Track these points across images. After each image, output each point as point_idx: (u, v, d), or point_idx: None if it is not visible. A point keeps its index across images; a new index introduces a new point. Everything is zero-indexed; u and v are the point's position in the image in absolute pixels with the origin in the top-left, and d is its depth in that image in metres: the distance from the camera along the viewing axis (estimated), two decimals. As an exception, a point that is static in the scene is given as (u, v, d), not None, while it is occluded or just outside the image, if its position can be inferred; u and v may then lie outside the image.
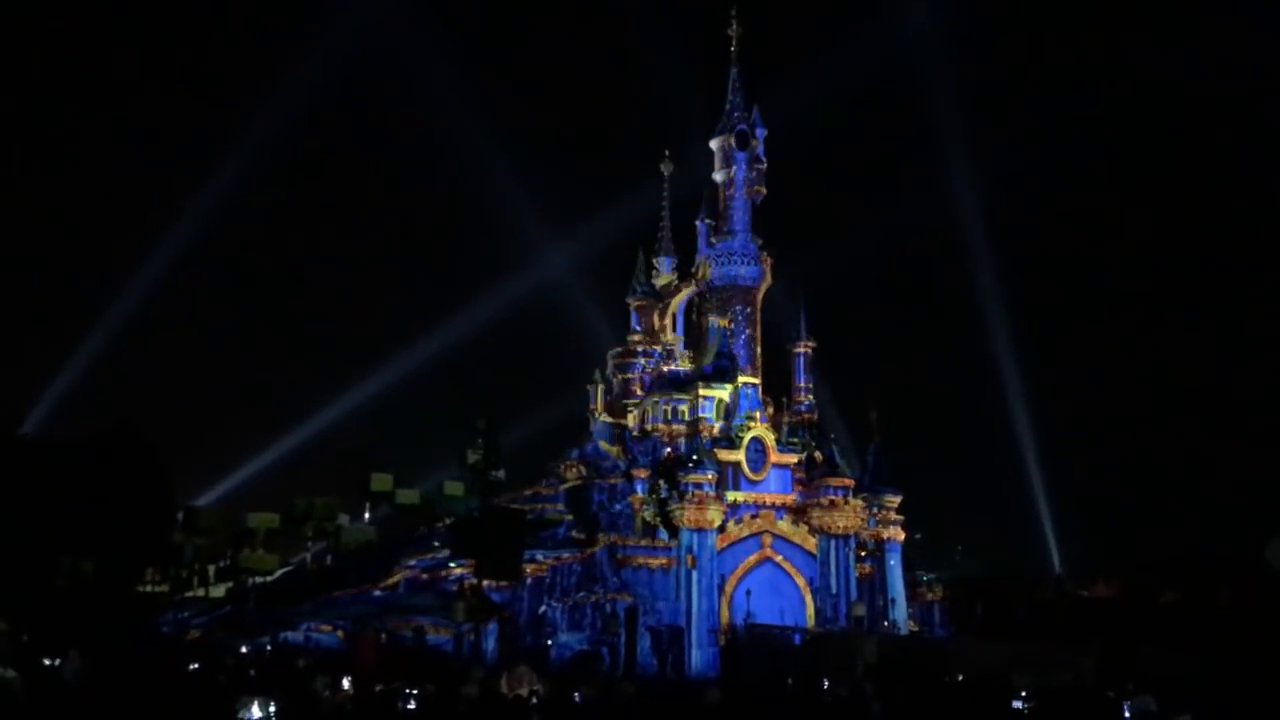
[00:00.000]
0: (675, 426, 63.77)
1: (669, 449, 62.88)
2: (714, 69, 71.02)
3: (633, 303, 71.70)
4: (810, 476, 62.14)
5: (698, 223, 69.63)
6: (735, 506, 61.01)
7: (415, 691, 17.59)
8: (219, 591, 49.75)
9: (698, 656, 56.62)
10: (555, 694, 18.13)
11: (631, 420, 67.72)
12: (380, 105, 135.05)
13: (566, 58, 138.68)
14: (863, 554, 61.99)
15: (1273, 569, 54.64)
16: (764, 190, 67.71)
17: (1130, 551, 78.79)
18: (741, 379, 64.00)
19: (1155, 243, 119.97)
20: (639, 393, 68.21)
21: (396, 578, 56.86)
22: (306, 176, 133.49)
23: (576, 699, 17.91)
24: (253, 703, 14.40)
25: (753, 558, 60.78)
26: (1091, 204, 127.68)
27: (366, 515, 48.58)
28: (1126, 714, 18.04)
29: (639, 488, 61.84)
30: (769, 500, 62.09)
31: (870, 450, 64.27)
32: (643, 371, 68.81)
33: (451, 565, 54.46)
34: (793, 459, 63.11)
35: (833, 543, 60.12)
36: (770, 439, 62.95)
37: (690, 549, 58.47)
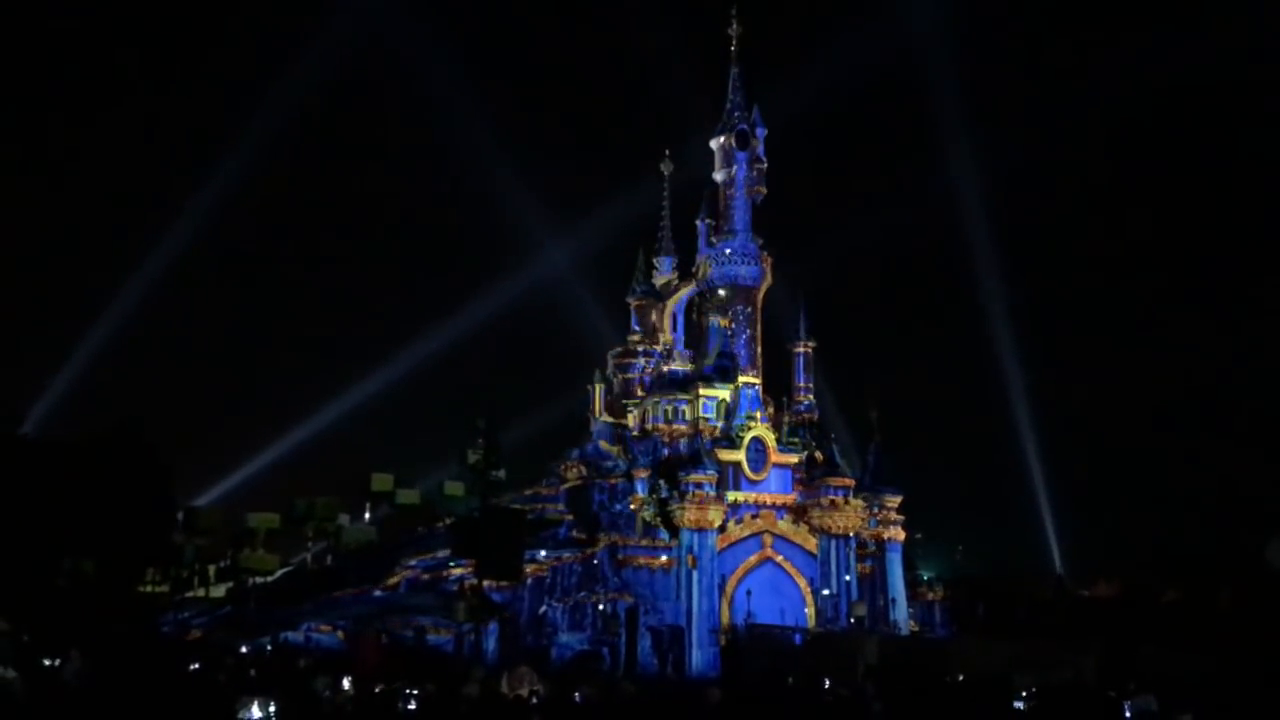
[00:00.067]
0: (676, 426, 63.76)
1: (669, 449, 62.86)
2: (715, 69, 71.10)
3: (633, 303, 71.71)
4: (811, 476, 62.15)
5: (698, 222, 69.65)
6: (736, 506, 61.02)
7: (416, 691, 17.58)
8: (219, 592, 49.70)
9: (698, 656, 56.63)
10: (556, 694, 18.12)
11: (632, 420, 67.71)
12: (380, 105, 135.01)
13: (567, 58, 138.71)
14: (863, 554, 61.98)
15: (1273, 569, 54.65)
16: (764, 190, 67.75)
17: (1131, 551, 78.77)
18: (742, 379, 64.02)
19: (1157, 242, 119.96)
20: (639, 393, 68.20)
21: (397, 578, 56.88)
22: (306, 176, 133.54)
23: (577, 699, 17.89)
24: (253, 703, 14.39)
25: (753, 558, 60.80)
26: (1093, 203, 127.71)
27: (367, 515, 48.50)
28: (1127, 713, 18.02)
29: (639, 488, 61.83)
30: (769, 500, 62.09)
31: (870, 450, 64.32)
32: (643, 371, 68.83)
33: (452, 565, 54.47)
34: (793, 459, 63.11)
35: (833, 542, 60.11)
36: (771, 439, 62.96)
37: (691, 549, 58.48)
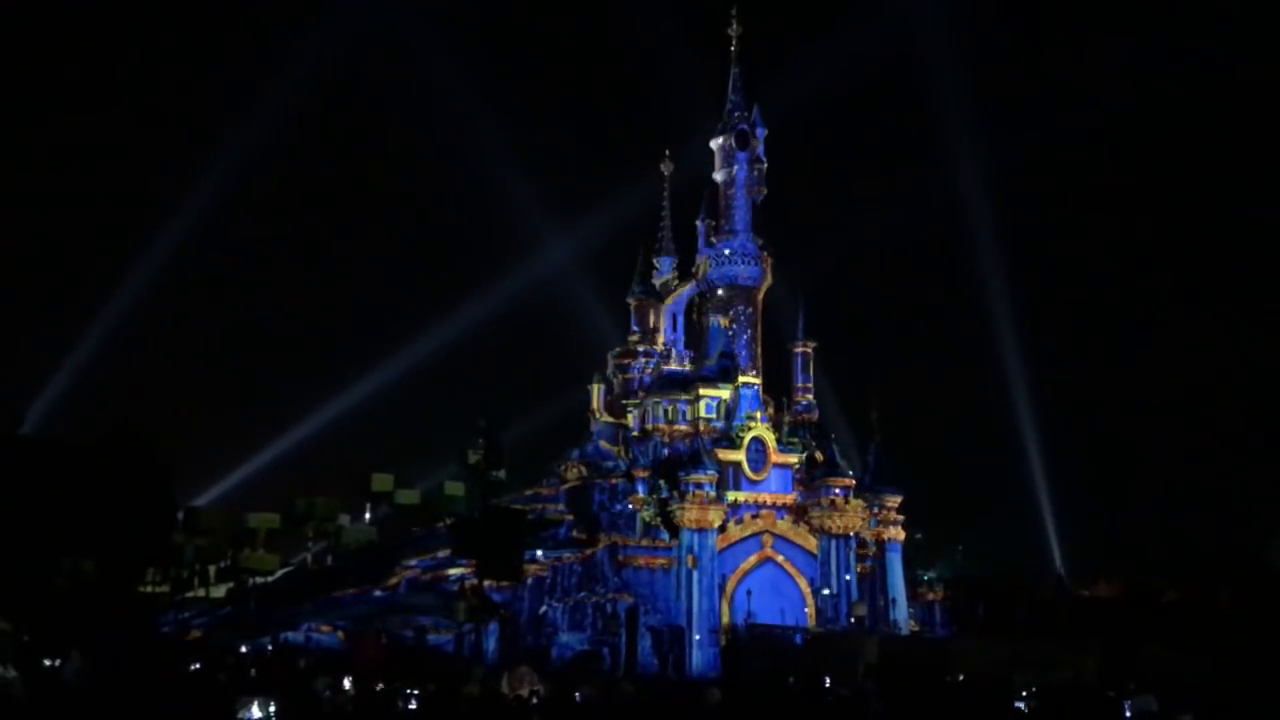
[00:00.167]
0: (676, 426, 63.76)
1: (669, 449, 62.87)
2: (715, 69, 71.11)
3: (633, 303, 71.71)
4: (811, 476, 62.16)
5: (698, 222, 69.66)
6: (736, 506, 61.04)
7: (416, 691, 17.58)
8: (220, 592, 49.69)
9: (698, 656, 56.64)
10: (556, 694, 18.12)
11: (632, 420, 67.72)
12: (381, 105, 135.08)
13: (567, 57, 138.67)
14: (863, 554, 61.98)
15: (1273, 569, 54.65)
16: (764, 190, 67.77)
17: (1132, 551, 78.77)
18: (742, 379, 64.03)
19: (1158, 241, 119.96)
20: (639, 393, 68.20)
21: (397, 578, 56.86)
22: (306, 176, 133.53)
23: (577, 699, 17.89)
24: (253, 703, 14.38)
25: (753, 558, 60.81)
26: (1094, 202, 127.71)
27: (367, 515, 48.48)
28: (1128, 713, 18.01)
29: (640, 488, 61.83)
30: (769, 500, 62.11)
31: (871, 450, 64.37)
32: (643, 371, 68.83)
33: (452, 565, 54.46)
34: (793, 459, 63.12)
35: (833, 542, 60.12)
36: (771, 439, 62.96)
37: (691, 549, 58.48)
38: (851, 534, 60.55)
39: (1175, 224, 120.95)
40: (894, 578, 62.04)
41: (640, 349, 69.63)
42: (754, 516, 61.46)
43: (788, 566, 61.23)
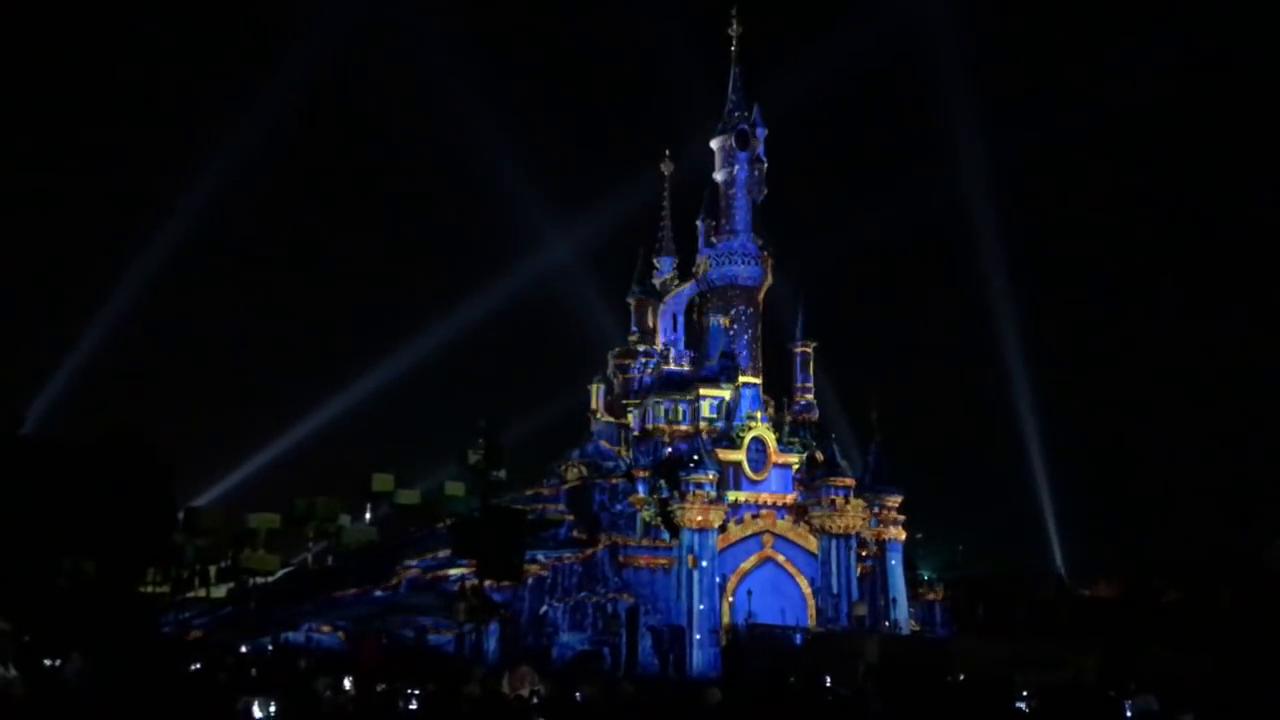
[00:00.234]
0: (676, 426, 63.75)
1: (670, 449, 62.86)
2: (716, 68, 71.12)
3: (633, 302, 71.69)
4: (811, 476, 62.14)
5: (698, 222, 69.65)
6: (736, 506, 61.03)
7: (417, 692, 17.58)
8: (220, 592, 49.75)
9: (699, 656, 56.63)
10: (557, 694, 18.12)
11: (632, 420, 67.71)
12: (381, 105, 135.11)
13: (567, 57, 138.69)
14: (864, 554, 61.97)
15: (1273, 569, 54.65)
16: (764, 190, 67.77)
17: (1133, 551, 78.72)
18: (742, 379, 64.03)
19: (1160, 242, 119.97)
20: (640, 393, 68.18)
21: (397, 578, 56.85)
22: (306, 175, 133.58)
23: (578, 699, 17.89)
24: (253, 703, 14.38)
25: (754, 557, 60.81)
26: (1095, 202, 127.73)
27: (368, 515, 48.54)
28: (1128, 713, 18.00)
29: (640, 488, 61.82)
30: (770, 500, 62.09)
31: (871, 450, 64.35)
32: (643, 371, 68.81)
33: (453, 565, 54.45)
34: (794, 459, 63.11)
35: (834, 542, 60.11)
36: (771, 439, 62.95)
37: (691, 549, 58.48)
38: (852, 534, 60.53)
39: (1176, 224, 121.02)
40: (894, 577, 62.03)
41: (640, 349, 69.60)
42: (754, 516, 61.45)
43: (788, 566, 61.23)
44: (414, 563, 57.68)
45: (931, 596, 65.80)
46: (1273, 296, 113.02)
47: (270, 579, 51.33)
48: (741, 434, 62.41)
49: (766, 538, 61.23)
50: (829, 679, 24.97)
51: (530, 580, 55.14)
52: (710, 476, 59.29)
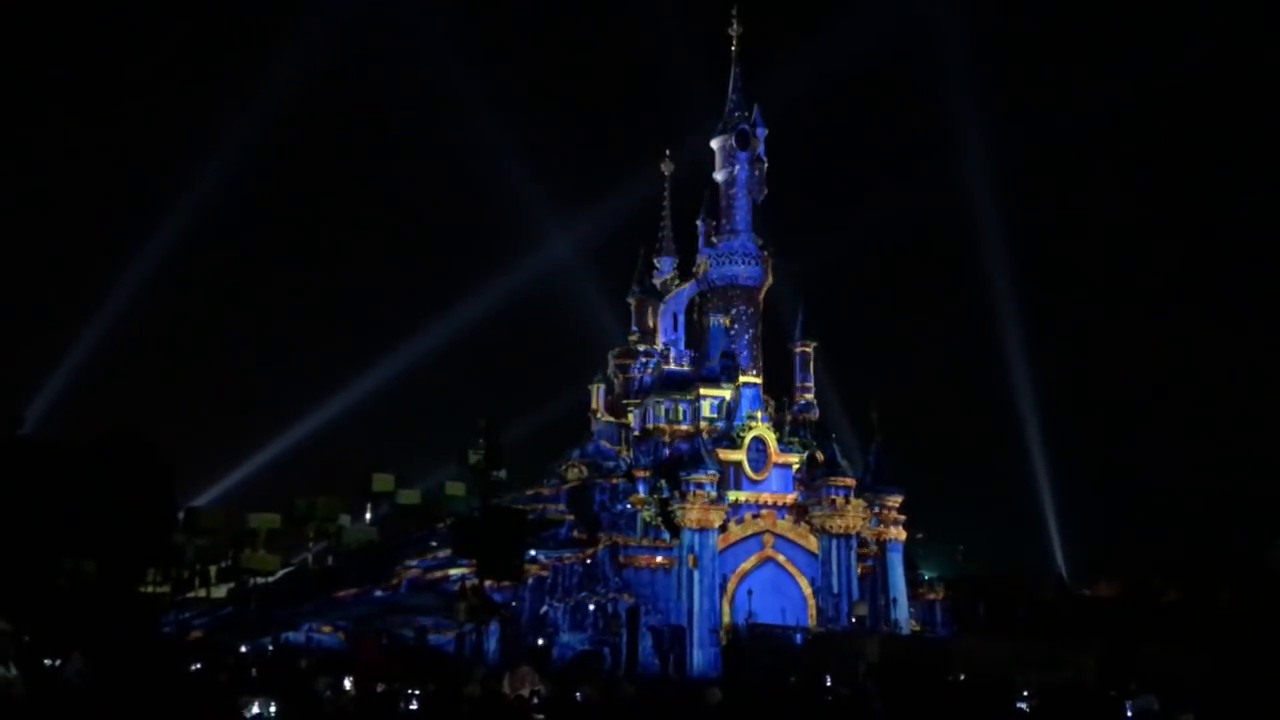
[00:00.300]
0: (677, 426, 63.75)
1: (670, 449, 62.87)
2: (716, 68, 71.15)
3: (633, 302, 71.69)
4: (812, 476, 62.12)
5: (698, 222, 69.69)
6: (737, 506, 61.01)
7: (417, 692, 17.59)
8: (220, 592, 49.79)
9: (699, 656, 56.62)
10: (557, 694, 18.13)
11: (632, 420, 67.72)
12: (381, 104, 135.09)
13: (568, 57, 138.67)
14: (864, 553, 61.94)
15: (1273, 568, 54.64)
16: (765, 190, 67.81)
17: (1133, 551, 78.75)
18: (743, 379, 64.01)
19: (1161, 243, 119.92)
20: (640, 393, 68.19)
21: (398, 578, 56.87)
22: (305, 174, 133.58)
23: (578, 699, 17.89)
24: (254, 703, 14.40)
25: (754, 557, 60.77)
26: (1099, 202, 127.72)
27: (368, 515, 48.63)
28: (1129, 713, 18.01)
29: (640, 487, 61.80)
30: (770, 500, 62.06)
31: (871, 450, 64.31)
32: (643, 371, 68.80)
33: (453, 565, 54.48)
34: (794, 459, 63.09)
35: (834, 542, 60.10)
36: (771, 439, 62.93)
37: (692, 549, 58.47)
38: (852, 534, 60.51)
39: (1178, 225, 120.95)
40: (895, 577, 61.98)
41: (641, 349, 69.59)
42: (755, 516, 61.43)
43: (789, 566, 61.21)
44: (414, 563, 57.70)
45: (932, 596, 65.79)
46: (1274, 296, 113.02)
47: (270, 579, 51.39)
48: (742, 434, 62.40)
49: (767, 538, 61.21)
50: (829, 679, 24.96)
51: (530, 580, 55.14)
52: (711, 476, 59.29)
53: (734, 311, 66.49)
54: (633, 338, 70.69)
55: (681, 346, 69.42)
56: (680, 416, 64.02)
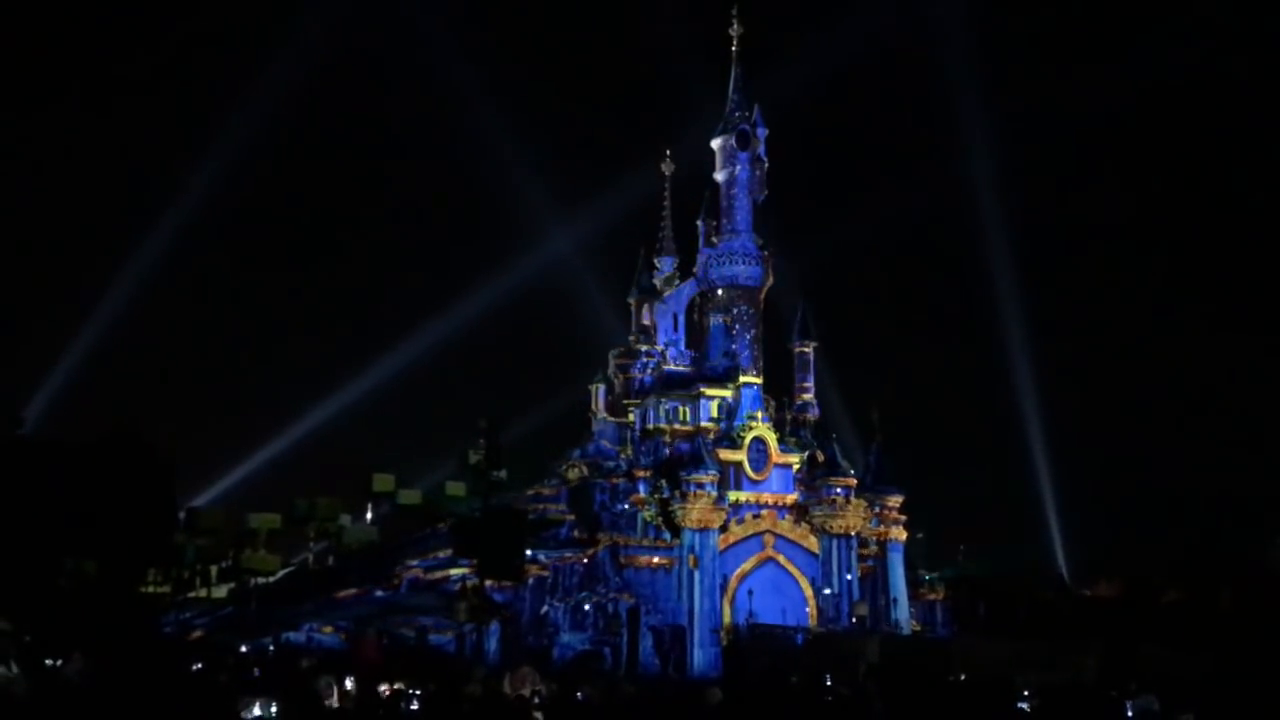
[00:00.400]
0: (677, 426, 63.78)
1: (671, 449, 62.88)
2: (717, 68, 71.17)
3: (634, 302, 71.66)
4: (812, 476, 62.15)
5: (699, 222, 69.74)
6: (737, 506, 61.03)
7: (418, 692, 17.59)
8: (221, 592, 49.80)
9: (700, 656, 56.64)
10: (558, 694, 18.12)
11: (633, 420, 67.72)
12: (381, 104, 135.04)
13: (569, 57, 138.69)
14: (865, 553, 61.95)
15: (1274, 569, 54.66)
16: (765, 190, 67.85)
17: (1133, 551, 78.76)
18: (743, 379, 64.02)
19: (1163, 245, 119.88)
20: (641, 393, 68.19)
21: (398, 578, 56.89)
22: (305, 173, 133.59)
23: (579, 699, 17.89)
24: (254, 703, 14.38)
25: (755, 557, 60.80)
26: (1098, 203, 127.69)
27: (368, 515, 48.61)
28: (1129, 713, 18.00)
29: (641, 488, 61.82)
30: (771, 500, 62.08)
31: (872, 449, 64.35)
32: (644, 371, 68.81)
33: (454, 565, 54.48)
34: (794, 459, 63.10)
35: (835, 542, 60.11)
36: (772, 439, 62.93)
37: (692, 549, 58.49)
38: (853, 534, 60.53)
39: (1178, 226, 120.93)
40: (895, 577, 62.01)
41: (641, 349, 69.60)
42: (755, 516, 61.44)
43: (789, 566, 61.21)
44: (415, 563, 57.72)
45: (932, 596, 65.81)
46: (1274, 296, 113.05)
47: (271, 579, 51.38)
48: (742, 434, 62.41)
49: (767, 538, 61.22)
50: (830, 679, 24.95)
51: (531, 580, 55.18)
52: (711, 476, 59.30)
53: (734, 311, 66.50)
54: (633, 338, 70.69)
55: (682, 346, 69.46)
56: (681, 417, 64.05)
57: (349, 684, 17.09)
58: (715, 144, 68.64)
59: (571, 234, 79.94)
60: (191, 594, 46.68)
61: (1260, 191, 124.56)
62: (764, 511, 61.65)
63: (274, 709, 14.11)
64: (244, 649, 39.24)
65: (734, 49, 69.88)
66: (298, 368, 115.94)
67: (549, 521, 59.40)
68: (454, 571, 54.46)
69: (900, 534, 63.08)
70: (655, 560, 58.96)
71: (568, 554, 58.23)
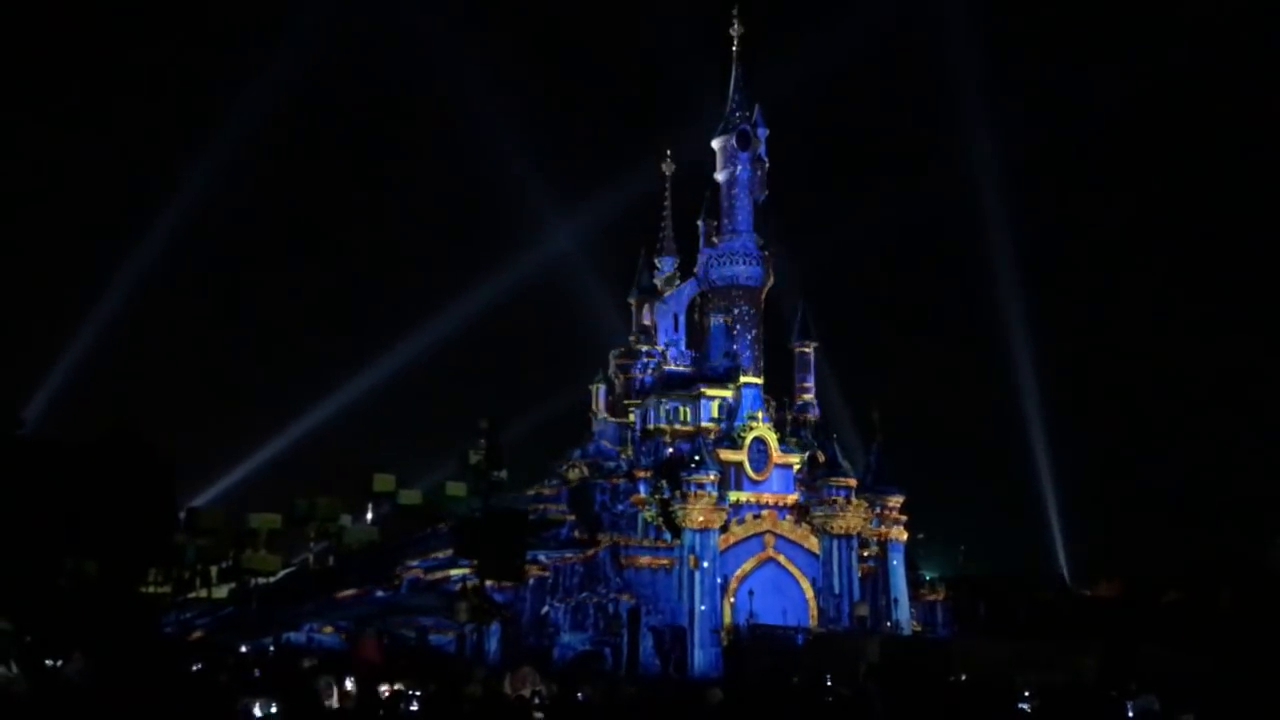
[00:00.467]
0: (677, 427, 63.76)
1: (671, 449, 62.86)
2: (718, 68, 71.18)
3: (634, 302, 71.66)
4: (813, 476, 62.12)
5: (699, 222, 69.75)
6: (738, 506, 61.00)
7: (419, 693, 17.58)
8: (222, 592, 49.76)
9: (700, 657, 56.62)
10: (558, 694, 18.13)
11: (633, 420, 67.72)
12: (381, 104, 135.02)
13: (569, 57, 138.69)
14: (865, 554, 61.93)
15: (1274, 569, 54.65)
16: (766, 190, 67.86)
17: (1133, 551, 78.85)
18: (744, 379, 63.99)
19: (1164, 246, 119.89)
20: (641, 393, 68.18)
21: (399, 578, 56.88)
22: (304, 173, 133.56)
23: (579, 699, 17.90)
24: (254, 703, 14.38)
25: (755, 558, 60.76)
26: (1098, 203, 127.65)
27: (369, 515, 48.61)
28: (1130, 713, 18.01)
29: (642, 488, 61.80)
30: (771, 500, 62.05)
31: (872, 450, 64.32)
32: (644, 371, 68.80)
33: (454, 566, 54.49)
34: (795, 459, 63.08)
35: (835, 542, 60.08)
36: (772, 439, 62.91)
37: (693, 549, 58.47)
38: (853, 534, 60.49)
39: (1178, 226, 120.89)
40: (896, 578, 61.98)
41: (642, 349, 69.59)
42: (756, 517, 61.41)
43: (790, 567, 61.19)
44: (415, 563, 57.70)
45: (933, 597, 65.77)
46: (1275, 296, 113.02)
47: (271, 579, 51.35)
48: (743, 434, 62.39)
49: (768, 538, 61.20)
50: (830, 679, 24.95)
51: (531, 580, 55.17)
52: (712, 477, 59.28)
53: (735, 312, 66.49)
54: (633, 338, 70.68)
55: (682, 346, 69.46)
56: (681, 417, 64.05)
57: (349, 684, 17.08)
58: (716, 144, 68.65)
59: (572, 234, 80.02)
60: (192, 594, 46.64)
61: (1260, 191, 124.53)
62: (764, 512, 61.62)
63: (274, 709, 14.10)
64: (244, 649, 39.23)
65: (734, 49, 69.91)
66: (298, 368, 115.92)
67: (549, 522, 59.39)
68: (454, 572, 54.46)
69: (901, 534, 63.06)
70: (656, 561, 58.94)
71: (568, 554, 58.22)
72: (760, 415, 63.36)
